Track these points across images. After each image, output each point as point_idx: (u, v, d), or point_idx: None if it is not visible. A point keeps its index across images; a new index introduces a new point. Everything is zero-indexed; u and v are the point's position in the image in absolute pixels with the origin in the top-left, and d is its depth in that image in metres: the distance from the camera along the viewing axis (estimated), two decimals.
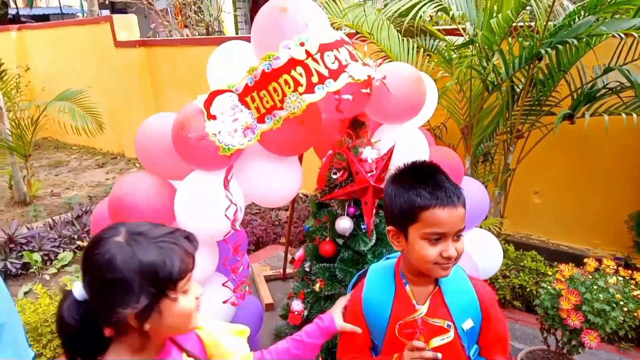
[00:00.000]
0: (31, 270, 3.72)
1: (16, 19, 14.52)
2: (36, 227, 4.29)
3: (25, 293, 3.37)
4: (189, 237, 0.99)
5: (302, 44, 1.70)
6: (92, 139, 5.06)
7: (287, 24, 1.72)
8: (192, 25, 6.21)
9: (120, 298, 0.89)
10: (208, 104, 1.78)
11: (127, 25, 6.17)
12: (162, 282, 0.91)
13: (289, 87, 1.69)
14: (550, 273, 2.39)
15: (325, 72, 1.68)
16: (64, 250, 3.98)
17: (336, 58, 1.70)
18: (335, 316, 1.35)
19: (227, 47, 1.98)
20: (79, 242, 4.10)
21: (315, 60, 1.69)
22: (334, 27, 2.94)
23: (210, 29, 6.09)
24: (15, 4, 15.61)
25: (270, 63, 1.71)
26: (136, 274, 0.89)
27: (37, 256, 3.79)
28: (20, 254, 3.81)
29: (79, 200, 5.30)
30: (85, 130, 4.73)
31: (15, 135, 5.06)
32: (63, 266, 3.80)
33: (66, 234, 4.18)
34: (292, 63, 1.69)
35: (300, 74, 1.68)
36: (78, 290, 0.94)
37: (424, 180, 1.17)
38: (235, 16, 6.50)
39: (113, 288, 0.89)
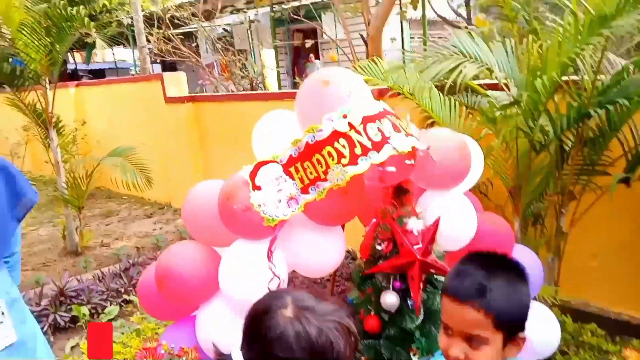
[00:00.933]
0: (79, 323, 3.81)
1: (74, 74, 15.61)
2: (85, 279, 4.42)
3: (72, 347, 3.44)
4: (352, 315, 0.96)
5: (344, 116, 1.72)
6: (141, 190, 5.26)
7: (330, 97, 1.76)
8: (237, 81, 6.49)
9: None
10: (253, 175, 1.82)
11: (177, 83, 6.51)
12: None
13: (333, 159, 1.71)
14: (612, 350, 2.22)
15: (369, 144, 1.69)
16: (111, 304, 4.05)
17: (379, 130, 1.71)
18: None
19: (271, 117, 2.04)
20: (125, 296, 4.17)
21: (358, 132, 1.70)
22: (374, 89, 2.98)
23: (254, 84, 6.35)
24: (74, 60, 16.80)
25: (313, 135, 1.74)
26: (306, 355, 0.87)
27: (85, 309, 3.87)
28: (69, 307, 3.91)
29: (127, 251, 5.44)
30: (134, 185, 4.93)
31: (71, 188, 5.32)
32: (109, 320, 3.87)
33: (113, 287, 4.27)
34: (335, 135, 1.71)
35: (344, 146, 1.70)
36: (237, 356, 0.93)
37: (465, 264, 1.13)
38: (278, 72, 6.76)
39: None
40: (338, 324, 0.91)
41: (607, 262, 3.08)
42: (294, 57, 11.55)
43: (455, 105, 2.84)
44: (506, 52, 2.74)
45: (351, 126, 1.72)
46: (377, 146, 1.69)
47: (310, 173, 1.78)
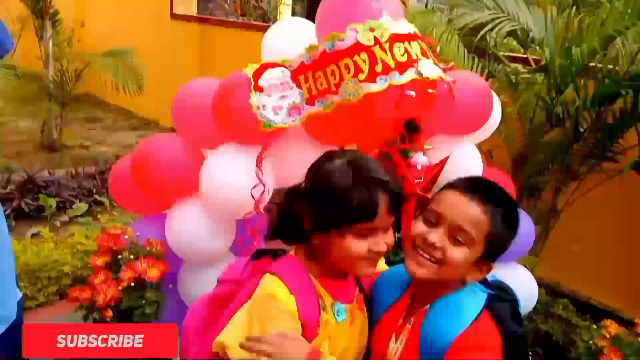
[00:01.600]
0: (44, 214, 3.67)
1: None
2: (58, 174, 4.25)
3: (33, 235, 3.30)
4: (399, 196, 1.00)
5: (371, 29, 1.56)
6: (130, 103, 5.04)
7: (360, 7, 1.59)
8: (250, 13, 6.19)
9: (315, 204, 1.00)
10: (257, 75, 1.66)
11: (187, 1, 6.20)
12: (343, 214, 0.95)
13: (349, 72, 1.56)
14: (581, 325, 2.23)
15: (392, 63, 1.54)
16: (80, 201, 3.90)
17: (406, 51, 1.56)
18: None
19: (287, 24, 1.86)
20: (96, 196, 4.01)
21: (383, 49, 1.55)
22: None
23: (266, 18, 6.06)
24: None
25: (333, 44, 1.58)
26: (334, 195, 0.96)
27: (52, 201, 3.73)
28: (37, 196, 3.76)
29: (106, 157, 5.25)
30: (124, 89, 4.70)
31: (58, 83, 5.07)
32: (76, 216, 3.73)
33: (86, 185, 4.11)
34: (357, 48, 1.55)
35: (364, 61, 1.55)
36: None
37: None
38: (294, 8, 6.46)
39: (318, 194, 1.00)
40: (379, 191, 0.95)
41: (591, 248, 3.05)
42: None
43: (478, 66, 2.69)
44: (545, 18, 2.58)
45: (377, 41, 1.56)
46: (401, 67, 1.54)
47: (321, 84, 1.63)
